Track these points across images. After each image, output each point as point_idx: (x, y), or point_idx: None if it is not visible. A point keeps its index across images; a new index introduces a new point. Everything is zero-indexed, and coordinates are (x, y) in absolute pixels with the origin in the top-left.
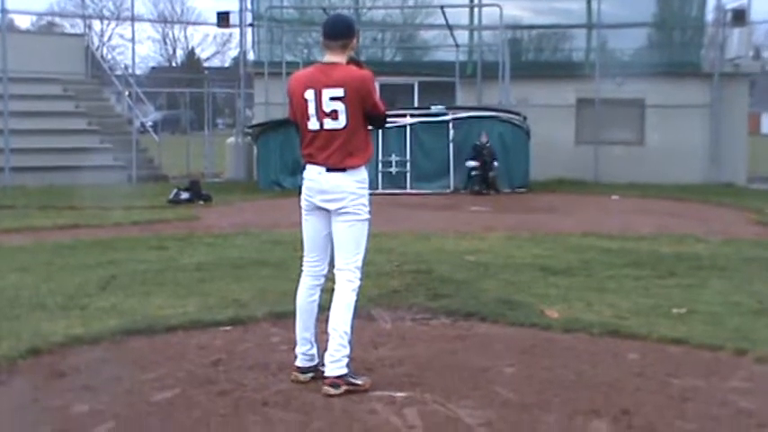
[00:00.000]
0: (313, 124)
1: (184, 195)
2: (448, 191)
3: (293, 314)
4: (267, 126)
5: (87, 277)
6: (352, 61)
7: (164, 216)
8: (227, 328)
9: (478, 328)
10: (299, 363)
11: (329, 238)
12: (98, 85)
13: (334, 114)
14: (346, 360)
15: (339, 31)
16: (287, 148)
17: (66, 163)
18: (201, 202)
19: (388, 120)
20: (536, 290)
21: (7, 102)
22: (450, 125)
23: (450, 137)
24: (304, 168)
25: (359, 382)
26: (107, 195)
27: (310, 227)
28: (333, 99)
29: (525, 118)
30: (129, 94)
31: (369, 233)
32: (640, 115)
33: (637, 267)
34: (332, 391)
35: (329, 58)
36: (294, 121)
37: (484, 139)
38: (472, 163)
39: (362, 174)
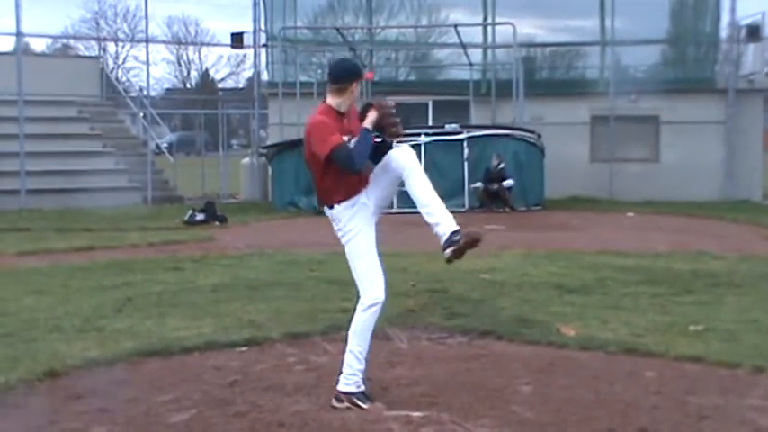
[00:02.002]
0: None
1: (200, 216)
2: (462, 209)
3: (309, 335)
4: (282, 146)
5: (103, 299)
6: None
7: (179, 237)
8: (243, 348)
9: (495, 346)
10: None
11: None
12: (113, 107)
13: None
14: (354, 378)
15: (334, 75)
16: (301, 168)
17: (82, 185)
18: (217, 223)
19: (404, 139)
20: (552, 308)
21: (23, 124)
22: (465, 144)
23: (465, 155)
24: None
25: (363, 406)
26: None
27: None
28: None
29: (540, 136)
30: (144, 116)
31: (361, 251)
32: (655, 132)
33: (653, 285)
34: (334, 402)
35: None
36: None
37: (495, 161)
38: (477, 185)
39: (335, 209)
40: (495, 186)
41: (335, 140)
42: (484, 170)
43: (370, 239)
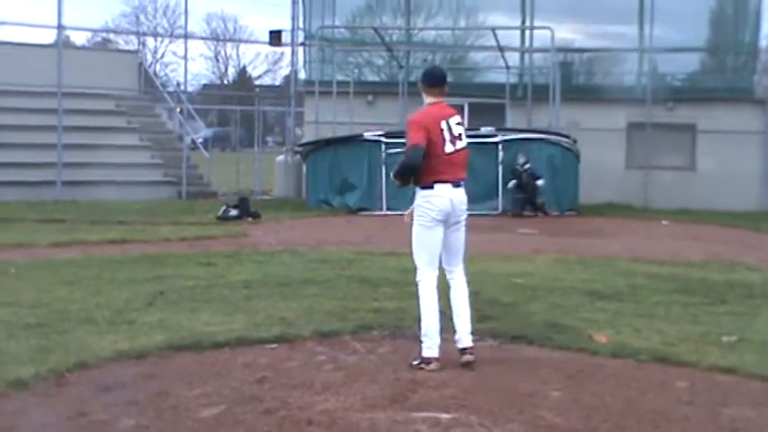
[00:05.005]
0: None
1: (233, 212)
2: (496, 212)
3: (339, 333)
4: (317, 145)
5: (135, 292)
6: None
7: (212, 232)
8: (274, 345)
9: (525, 351)
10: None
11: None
12: (150, 102)
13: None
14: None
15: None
16: (335, 167)
17: (117, 178)
18: (250, 220)
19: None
20: (584, 314)
21: (61, 116)
22: (500, 147)
23: (500, 158)
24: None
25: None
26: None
27: None
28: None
29: (575, 141)
30: (181, 111)
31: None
32: (692, 140)
33: (686, 294)
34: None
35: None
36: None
37: (521, 160)
38: (512, 183)
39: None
40: (526, 191)
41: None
42: (510, 171)
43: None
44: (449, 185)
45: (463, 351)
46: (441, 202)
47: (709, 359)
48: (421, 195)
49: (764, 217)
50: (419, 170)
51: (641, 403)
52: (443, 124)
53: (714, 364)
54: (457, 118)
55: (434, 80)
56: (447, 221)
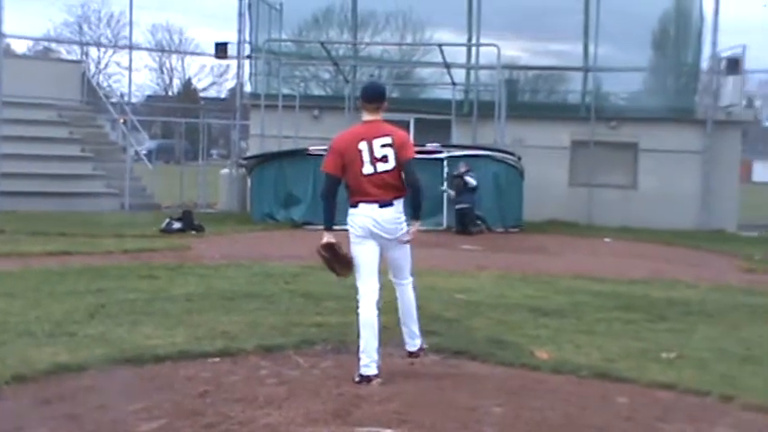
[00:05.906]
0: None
1: (176, 225)
2: (440, 228)
3: (282, 347)
4: (262, 158)
5: (76, 305)
6: None
7: (155, 245)
8: (216, 359)
9: (467, 366)
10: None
11: None
12: (93, 112)
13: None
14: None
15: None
16: (280, 180)
17: (59, 189)
18: (193, 233)
19: None
20: (526, 330)
21: (1, 125)
22: (445, 163)
23: (445, 175)
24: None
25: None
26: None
27: None
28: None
29: (520, 158)
30: (124, 122)
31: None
32: (634, 159)
33: (627, 311)
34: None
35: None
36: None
37: (462, 169)
38: (450, 192)
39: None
40: (465, 205)
41: None
42: (450, 177)
43: None
44: (374, 205)
45: (409, 354)
46: (361, 221)
47: (648, 375)
48: (348, 213)
49: (704, 235)
50: (348, 190)
51: (581, 419)
52: (362, 145)
53: (653, 380)
54: (386, 139)
55: (370, 95)
56: (379, 238)
